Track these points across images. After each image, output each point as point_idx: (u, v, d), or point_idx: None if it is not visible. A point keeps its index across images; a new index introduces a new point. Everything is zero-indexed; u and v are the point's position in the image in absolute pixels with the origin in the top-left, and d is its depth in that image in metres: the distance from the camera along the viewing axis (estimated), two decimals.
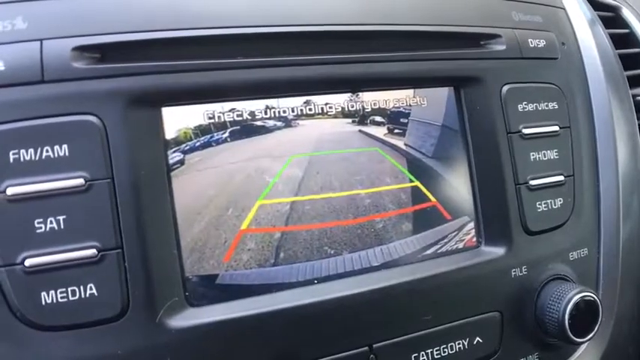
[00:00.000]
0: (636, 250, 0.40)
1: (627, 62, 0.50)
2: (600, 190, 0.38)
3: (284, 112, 0.30)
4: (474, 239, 0.34)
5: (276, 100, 0.30)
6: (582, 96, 0.39)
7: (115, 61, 0.26)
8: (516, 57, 0.35)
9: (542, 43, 0.37)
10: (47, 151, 0.25)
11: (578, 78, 0.39)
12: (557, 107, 0.36)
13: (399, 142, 0.33)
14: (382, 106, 0.32)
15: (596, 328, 0.33)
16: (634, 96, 0.46)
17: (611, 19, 0.53)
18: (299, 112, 0.30)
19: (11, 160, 0.25)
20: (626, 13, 0.54)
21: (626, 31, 0.53)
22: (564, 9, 0.41)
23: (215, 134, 0.29)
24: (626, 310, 0.39)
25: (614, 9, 0.53)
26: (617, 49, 0.49)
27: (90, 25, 0.26)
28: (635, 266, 0.39)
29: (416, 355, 0.30)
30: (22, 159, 0.25)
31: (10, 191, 0.24)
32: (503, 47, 0.35)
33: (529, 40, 0.36)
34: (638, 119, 0.46)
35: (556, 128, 0.36)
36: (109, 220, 0.25)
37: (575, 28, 0.41)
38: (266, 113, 0.30)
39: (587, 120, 0.39)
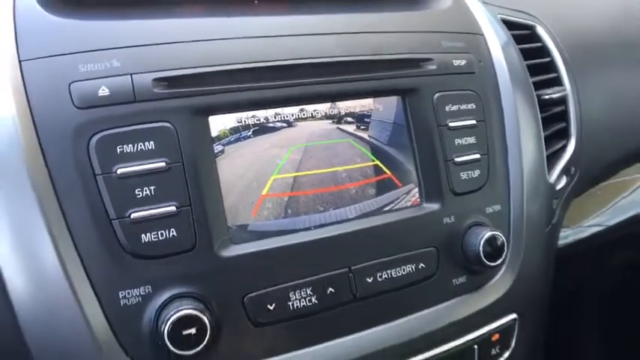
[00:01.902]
0: (536, 207, 0.56)
1: (539, 69, 0.67)
2: (508, 164, 0.54)
3: (287, 116, 0.45)
4: (418, 199, 0.49)
5: (281, 108, 0.45)
6: (494, 98, 0.54)
7: (179, 87, 0.41)
8: (444, 73, 0.51)
9: (463, 62, 0.52)
10: (141, 145, 0.39)
11: (491, 85, 0.55)
12: (474, 107, 0.52)
13: (365, 135, 0.48)
14: (352, 111, 0.48)
15: (503, 256, 0.49)
16: (539, 95, 0.62)
17: (528, 35, 0.69)
18: (297, 116, 0.46)
19: (118, 152, 0.39)
20: (540, 30, 0.70)
21: (539, 44, 0.69)
22: (482, 34, 0.57)
23: (242, 133, 0.44)
24: (532, 248, 0.55)
25: (529, 27, 0.69)
26: (531, 59, 0.65)
27: (162, 64, 0.41)
28: (535, 217, 0.55)
29: (380, 274, 0.46)
30: (125, 151, 0.39)
31: (119, 172, 0.39)
32: (435, 67, 0.50)
33: (453, 60, 0.52)
34: (542, 112, 0.62)
35: (474, 122, 0.52)
36: (182, 188, 0.40)
37: (490, 48, 0.56)
38: (275, 117, 0.45)
39: (498, 115, 0.54)
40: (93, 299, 0.38)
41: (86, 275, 0.38)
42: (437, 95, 0.50)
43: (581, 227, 0.79)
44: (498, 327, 0.51)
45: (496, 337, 0.51)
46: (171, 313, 0.37)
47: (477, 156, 0.51)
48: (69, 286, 0.37)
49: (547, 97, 0.62)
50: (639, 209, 0.86)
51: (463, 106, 0.51)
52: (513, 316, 0.52)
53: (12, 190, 0.38)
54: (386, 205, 0.48)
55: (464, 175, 0.50)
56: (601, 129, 0.71)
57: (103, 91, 0.39)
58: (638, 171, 0.92)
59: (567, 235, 0.77)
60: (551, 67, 0.66)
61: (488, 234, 0.48)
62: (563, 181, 0.63)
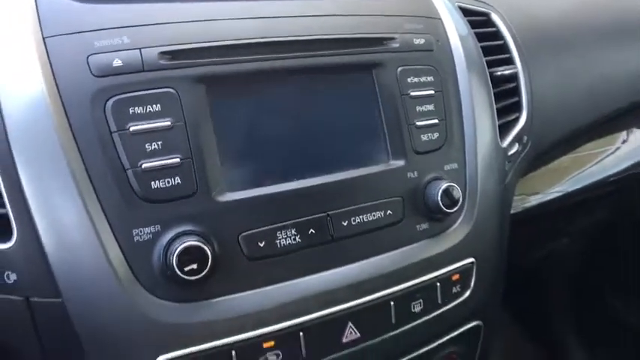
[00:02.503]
0: (489, 166, 0.64)
1: (493, 50, 0.75)
2: (464, 129, 0.63)
3: (274, 84, 0.53)
4: (386, 157, 0.58)
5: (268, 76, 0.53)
6: (450, 72, 0.63)
7: (181, 59, 0.48)
8: (406, 50, 0.59)
9: (422, 41, 0.61)
10: (149, 107, 0.47)
11: (448, 61, 0.63)
12: (433, 79, 0.60)
13: (344, 101, 0.56)
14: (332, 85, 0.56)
15: (458, 204, 0.57)
16: (492, 72, 0.71)
17: (483, 21, 0.78)
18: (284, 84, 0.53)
19: (130, 112, 0.46)
20: (494, 17, 0.79)
21: (494, 29, 0.78)
22: (440, 19, 0.65)
23: (235, 97, 0.51)
24: (486, 202, 0.63)
25: (484, 14, 0.78)
26: (486, 41, 0.74)
27: (166, 40, 0.48)
28: (488, 175, 0.64)
29: (353, 218, 0.54)
30: (136, 112, 0.46)
31: (131, 129, 0.46)
32: (398, 45, 0.59)
33: (414, 39, 0.60)
34: (495, 88, 0.71)
35: (432, 92, 0.60)
36: (184, 144, 0.47)
37: (447, 31, 0.65)
38: (264, 84, 0.53)
39: (454, 87, 0.63)
40: (111, 238, 0.45)
41: (105, 217, 0.45)
42: (400, 69, 0.58)
43: (541, 194, 0.88)
44: (458, 268, 0.59)
45: (456, 277, 0.59)
46: (178, 245, 0.45)
47: (436, 121, 0.59)
48: (92, 228, 0.45)
49: (499, 73, 0.70)
50: (597, 177, 0.96)
51: (423, 79, 0.59)
52: (471, 259, 0.61)
53: (43, 149, 0.45)
54: (358, 161, 0.56)
55: (424, 137, 0.58)
56: (552, 105, 0.80)
57: (117, 62, 0.46)
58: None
59: (529, 201, 0.85)
60: (504, 49, 0.75)
61: (445, 185, 0.56)
62: (516, 147, 0.71)
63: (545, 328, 1.64)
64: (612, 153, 1.03)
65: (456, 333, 0.64)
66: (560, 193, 0.88)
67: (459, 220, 0.60)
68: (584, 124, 0.87)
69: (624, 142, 1.06)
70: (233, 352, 0.48)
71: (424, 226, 0.58)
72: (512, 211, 0.80)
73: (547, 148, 0.81)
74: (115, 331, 0.46)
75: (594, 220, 1.00)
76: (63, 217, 0.45)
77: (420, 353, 0.61)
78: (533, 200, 0.85)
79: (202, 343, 0.47)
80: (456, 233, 0.60)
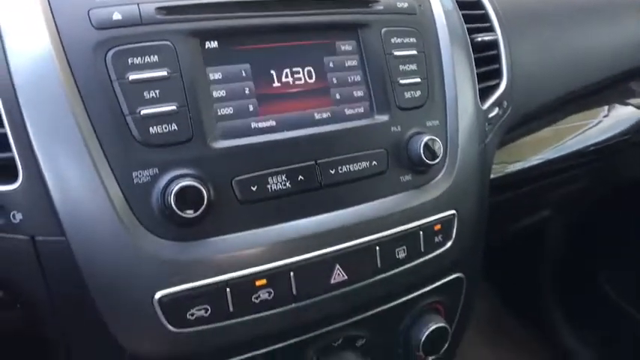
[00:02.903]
0: (469, 125, 0.67)
1: (474, 19, 0.79)
2: (445, 88, 0.66)
3: (265, 40, 0.56)
4: (371, 112, 0.61)
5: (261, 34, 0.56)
6: (432, 35, 0.66)
7: (176, 14, 0.51)
8: (389, 12, 0.62)
9: (405, 5, 0.64)
10: (147, 58, 0.50)
11: (429, 25, 0.66)
12: (415, 41, 0.64)
13: (330, 58, 0.59)
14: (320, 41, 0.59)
15: (440, 157, 0.61)
16: (472, 39, 0.75)
17: None
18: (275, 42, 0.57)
19: (129, 62, 0.49)
20: None
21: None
22: None
23: (228, 50, 0.54)
24: (466, 158, 0.66)
25: None
26: (467, 10, 0.77)
27: None
28: (469, 133, 0.67)
29: (340, 167, 0.57)
30: (135, 62, 0.49)
31: (130, 78, 0.49)
32: (382, 7, 0.62)
33: (397, 3, 0.64)
34: (476, 54, 0.74)
35: (415, 52, 0.63)
36: (180, 93, 0.50)
37: None
38: (255, 40, 0.56)
39: (436, 49, 0.66)
40: (112, 180, 0.48)
41: (106, 160, 0.48)
42: (384, 30, 0.61)
43: (522, 162, 0.91)
44: (439, 219, 0.63)
45: (438, 227, 0.63)
46: (175, 186, 0.48)
47: (418, 80, 0.63)
48: (94, 169, 0.48)
49: (479, 39, 0.74)
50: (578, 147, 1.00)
51: (406, 40, 0.63)
52: (452, 212, 0.64)
53: (48, 97, 0.48)
54: (344, 115, 0.59)
55: (407, 95, 0.62)
56: (531, 74, 0.84)
57: (116, 16, 0.49)
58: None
59: (510, 167, 0.89)
60: (485, 18, 0.78)
61: (426, 138, 0.60)
62: (496, 110, 0.75)
63: (532, 307, 1.68)
64: (594, 126, 1.07)
65: (438, 283, 0.68)
66: (541, 161, 0.92)
67: (441, 174, 0.64)
68: (563, 93, 0.90)
69: (605, 116, 1.10)
70: (227, 289, 0.51)
71: (407, 177, 0.61)
72: (493, 176, 0.84)
73: (528, 115, 0.85)
74: (116, 267, 0.49)
75: (575, 190, 1.04)
76: (66, 160, 0.48)
77: (405, 300, 0.65)
78: (514, 167, 0.88)
79: (198, 280, 0.50)
80: (438, 186, 0.63)
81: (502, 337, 1.67)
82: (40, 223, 0.48)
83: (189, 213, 0.48)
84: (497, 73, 0.78)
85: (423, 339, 0.66)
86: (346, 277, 0.57)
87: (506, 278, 1.78)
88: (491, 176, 0.83)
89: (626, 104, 1.14)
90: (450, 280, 0.69)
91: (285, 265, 0.53)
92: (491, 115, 0.74)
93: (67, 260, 0.48)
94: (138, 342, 0.51)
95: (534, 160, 0.92)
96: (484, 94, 0.74)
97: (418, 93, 0.63)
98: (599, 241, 1.55)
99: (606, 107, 1.10)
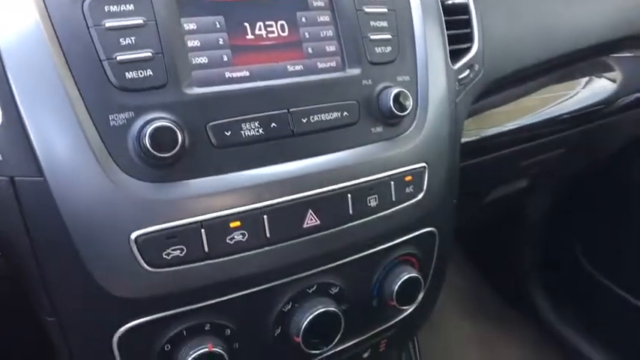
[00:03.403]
0: (439, 82, 0.70)
1: None
2: (415, 46, 0.68)
3: None
4: (342, 66, 0.63)
5: None
6: None
7: None
8: None
9: None
10: (123, 7, 0.51)
11: None
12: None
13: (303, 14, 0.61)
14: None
15: (410, 109, 0.63)
16: (443, 1, 0.77)
17: None
18: None
19: (106, 10, 0.51)
20: None
21: None
22: None
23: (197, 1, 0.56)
24: (436, 113, 0.68)
25: None
26: None
27: None
28: (439, 90, 0.69)
29: (312, 116, 0.59)
30: (111, 10, 0.51)
31: (107, 24, 0.50)
32: None
33: None
34: (447, 16, 0.76)
35: (385, 10, 0.65)
36: (155, 40, 0.52)
37: None
38: None
39: (407, 8, 0.68)
40: (89, 122, 0.50)
41: (84, 103, 0.50)
42: None
43: (497, 127, 0.94)
44: (410, 170, 0.65)
45: (409, 178, 0.65)
46: (150, 127, 0.50)
47: (389, 36, 0.65)
48: (72, 111, 0.49)
49: (450, 2, 0.76)
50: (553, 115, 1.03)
51: None
52: (423, 164, 0.66)
53: (26, 42, 0.49)
54: (317, 67, 0.61)
55: (378, 50, 0.64)
56: (503, 40, 0.86)
57: None
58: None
59: (485, 132, 0.92)
60: None
61: (397, 90, 0.62)
62: (467, 72, 0.78)
63: (512, 283, 1.71)
64: (570, 97, 1.10)
65: (411, 235, 0.70)
66: (516, 126, 0.94)
67: (411, 128, 0.66)
68: (535, 62, 0.93)
69: (583, 88, 1.13)
70: (202, 230, 0.53)
71: (379, 129, 0.63)
72: (468, 139, 0.87)
73: (500, 81, 0.87)
74: (93, 207, 0.51)
75: (551, 160, 1.07)
76: (45, 101, 0.49)
77: (378, 250, 0.67)
78: (490, 131, 0.91)
79: (173, 220, 0.52)
80: (409, 138, 0.65)
81: (483, 313, 1.71)
82: (19, 164, 0.50)
83: (164, 154, 0.50)
84: (468, 37, 0.80)
85: (396, 289, 0.68)
86: (319, 222, 0.59)
87: (487, 257, 1.81)
88: (466, 139, 0.86)
89: (601, 77, 1.17)
90: (423, 233, 0.71)
91: (259, 208, 0.55)
92: (462, 75, 0.77)
93: (45, 200, 0.50)
94: (116, 282, 0.53)
95: (509, 125, 0.95)
96: (456, 56, 0.77)
97: (389, 49, 0.65)
98: (575, 215, 1.59)
99: (583, 81, 1.14)
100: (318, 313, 0.61)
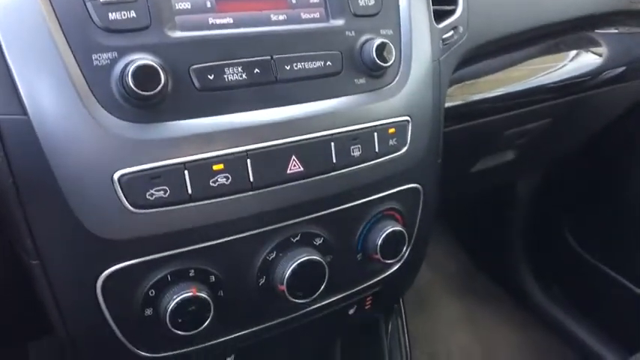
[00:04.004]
0: (423, 39, 0.70)
1: None
2: (398, 2, 0.69)
3: None
4: (326, 17, 0.63)
5: None
6: None
7: None
8: None
9: None
10: None
11: None
12: None
13: None
14: None
15: (392, 60, 0.64)
16: None
17: None
18: None
19: None
20: None
21: None
22: None
23: None
24: (420, 68, 0.69)
25: None
26: None
27: None
28: (422, 46, 0.70)
29: (295, 64, 0.59)
30: None
31: None
32: None
33: None
34: None
35: None
36: None
37: None
38: None
39: None
40: (73, 61, 0.50)
41: (67, 43, 0.50)
42: None
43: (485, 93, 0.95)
44: (393, 122, 0.66)
45: (392, 130, 0.66)
46: (132, 65, 0.50)
47: None
48: (55, 50, 0.49)
49: None
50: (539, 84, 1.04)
51: None
52: (406, 117, 0.67)
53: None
54: (301, 17, 0.62)
55: (361, 2, 0.65)
56: (488, 4, 0.87)
57: None
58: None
59: (475, 96, 0.92)
60: None
61: (379, 40, 0.63)
62: (451, 33, 0.78)
63: (500, 262, 1.73)
64: (557, 69, 1.11)
65: (395, 190, 0.71)
66: (500, 93, 0.95)
67: (395, 81, 0.67)
68: (520, 29, 0.94)
69: (570, 61, 1.14)
70: (186, 172, 0.53)
71: (362, 81, 0.64)
72: (453, 103, 0.88)
73: (486, 46, 0.88)
74: (76, 146, 0.51)
75: (538, 131, 1.08)
76: (28, 41, 0.50)
77: (362, 203, 0.68)
78: (475, 97, 0.92)
79: (156, 161, 0.52)
80: (392, 91, 0.66)
81: (472, 293, 1.72)
82: (2, 103, 0.50)
83: (147, 92, 0.50)
84: (453, 1, 0.81)
85: (380, 242, 0.69)
86: (302, 169, 0.59)
87: (476, 240, 1.83)
88: (451, 103, 0.87)
89: (588, 51, 1.19)
90: (407, 189, 0.72)
91: (242, 151, 0.56)
92: (445, 35, 0.77)
93: (29, 140, 0.50)
94: (99, 223, 0.53)
95: (494, 92, 0.96)
96: (440, 16, 0.77)
97: (372, 2, 0.65)
98: (564, 196, 1.61)
99: (570, 54, 1.15)
100: (303, 261, 0.62)
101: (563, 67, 1.11)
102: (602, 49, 1.18)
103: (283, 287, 0.62)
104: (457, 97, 0.89)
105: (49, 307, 0.58)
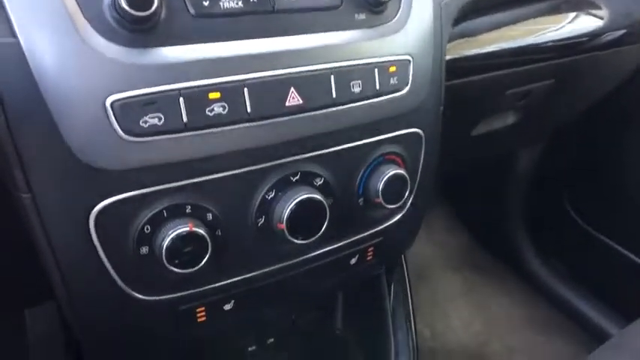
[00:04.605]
0: None
1: None
2: None
3: None
4: None
5: None
6: None
7: None
8: None
9: None
10: None
11: None
12: None
13: None
14: None
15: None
16: None
17: None
18: None
19: None
20: None
21: None
22: None
23: None
24: (422, 6, 0.68)
25: None
26: None
27: None
28: None
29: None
30: None
31: None
32: None
33: None
34: None
35: None
36: None
37: None
38: None
39: None
40: None
41: None
42: None
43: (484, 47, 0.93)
44: (394, 60, 0.64)
45: (393, 68, 0.64)
46: None
47: None
48: None
49: None
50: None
51: None
52: (407, 57, 0.65)
53: None
54: None
55: None
56: None
57: None
58: None
59: (474, 50, 0.91)
60: None
61: None
62: None
63: (500, 236, 1.72)
64: (557, 29, 1.09)
65: (396, 133, 0.69)
66: (501, 48, 0.94)
67: (396, 18, 0.65)
68: None
69: (571, 21, 1.13)
70: (181, 99, 0.52)
71: (362, 16, 0.62)
72: (453, 56, 0.86)
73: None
74: (69, 71, 0.49)
75: (539, 92, 1.07)
76: None
77: (363, 144, 0.66)
78: (474, 51, 0.90)
79: (151, 87, 0.50)
80: (393, 28, 0.64)
81: (472, 267, 1.71)
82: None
83: (140, 12, 0.48)
84: None
85: (382, 185, 0.67)
86: (301, 102, 0.58)
87: (477, 215, 1.81)
88: (452, 56, 0.85)
89: (589, 13, 1.17)
90: (409, 133, 0.70)
91: (239, 80, 0.54)
92: None
93: (19, 64, 0.48)
94: (91, 151, 0.51)
95: (495, 46, 0.94)
96: None
97: None
98: (563, 167, 1.59)
99: (570, 16, 1.13)
100: (303, 199, 0.60)
101: (563, 27, 1.09)
102: (603, 12, 1.17)
103: (283, 226, 0.60)
104: (458, 52, 0.88)
105: (42, 248, 0.56)
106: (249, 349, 0.95)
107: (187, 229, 0.55)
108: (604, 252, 1.50)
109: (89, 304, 0.62)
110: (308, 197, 0.61)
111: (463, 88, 0.91)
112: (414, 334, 0.99)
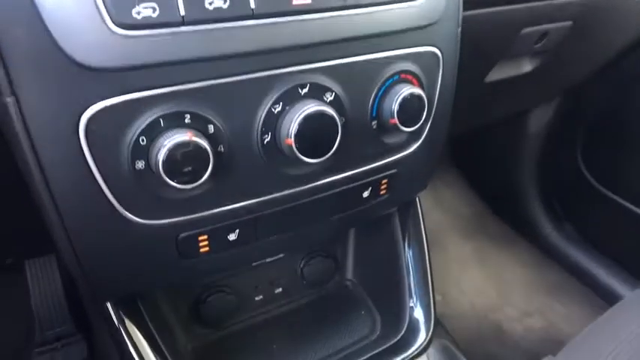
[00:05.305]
0: None
1: None
2: None
3: None
4: None
5: None
6: None
7: None
8: None
9: None
10: None
11: None
12: None
13: None
14: None
15: None
16: None
17: None
18: None
19: None
20: None
21: None
22: None
23: None
24: None
25: None
26: None
27: None
28: None
29: None
30: None
31: None
32: None
33: None
34: None
35: None
36: None
37: None
38: None
39: None
40: None
41: None
42: None
43: None
44: None
45: None
46: None
47: None
48: None
49: None
50: None
51: None
52: None
53: None
54: None
55: None
56: None
57: None
58: None
59: None
60: None
61: None
62: None
63: (515, 207, 1.67)
64: None
65: (412, 50, 0.64)
66: None
67: None
68: None
69: None
70: None
71: None
72: None
73: None
74: None
75: (557, 32, 1.01)
76: None
77: (376, 58, 0.61)
78: None
79: None
80: None
81: (485, 234, 1.66)
82: None
83: None
84: None
85: (397, 106, 0.62)
86: (310, 0, 0.53)
87: (487, 176, 1.76)
88: None
89: None
90: (426, 51, 0.65)
91: None
92: None
93: None
94: (79, 45, 0.46)
95: None
96: None
97: None
98: (577, 128, 1.54)
99: None
100: (313, 112, 0.55)
101: None
102: None
103: (290, 141, 0.55)
104: None
105: (31, 168, 0.51)
106: (256, 298, 0.90)
107: (187, 138, 0.50)
108: (619, 214, 1.45)
109: (85, 234, 0.57)
110: (318, 110, 0.56)
111: (478, 20, 0.86)
112: (430, 290, 0.93)
